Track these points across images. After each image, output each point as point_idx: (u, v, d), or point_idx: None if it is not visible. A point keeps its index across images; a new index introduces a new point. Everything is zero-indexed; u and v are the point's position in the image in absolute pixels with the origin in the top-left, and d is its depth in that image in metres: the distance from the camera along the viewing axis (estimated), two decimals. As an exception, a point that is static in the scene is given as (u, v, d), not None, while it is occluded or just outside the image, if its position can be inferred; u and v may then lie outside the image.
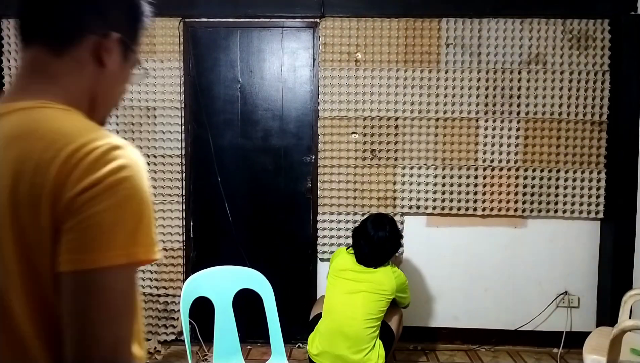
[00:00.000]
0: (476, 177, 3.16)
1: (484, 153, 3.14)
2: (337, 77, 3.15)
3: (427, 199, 3.19)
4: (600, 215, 3.14)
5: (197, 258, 3.29)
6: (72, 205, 0.64)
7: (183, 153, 3.23)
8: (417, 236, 3.22)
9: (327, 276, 2.64)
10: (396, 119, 3.16)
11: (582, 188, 3.14)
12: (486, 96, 3.11)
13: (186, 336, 2.06)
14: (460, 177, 3.16)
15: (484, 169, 3.16)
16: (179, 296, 2.44)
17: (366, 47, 3.14)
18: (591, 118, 3.10)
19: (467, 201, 3.17)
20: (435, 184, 3.17)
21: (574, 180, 3.14)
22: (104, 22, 0.77)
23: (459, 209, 3.18)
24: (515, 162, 3.13)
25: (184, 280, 3.19)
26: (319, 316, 2.61)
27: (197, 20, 3.20)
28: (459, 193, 3.17)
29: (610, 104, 3.08)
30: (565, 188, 3.14)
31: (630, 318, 2.47)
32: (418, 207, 3.19)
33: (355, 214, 3.20)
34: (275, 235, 3.31)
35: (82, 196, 0.64)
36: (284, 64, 3.22)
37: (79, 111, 0.75)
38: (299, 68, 3.21)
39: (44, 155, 0.66)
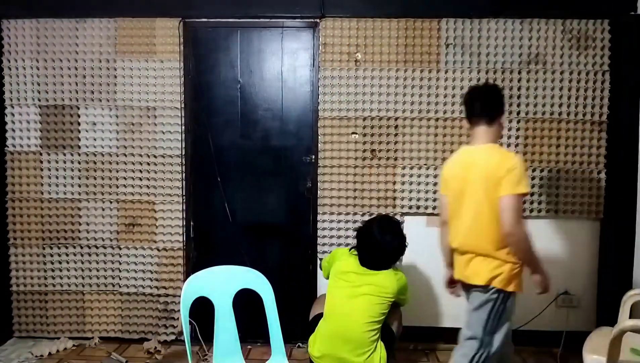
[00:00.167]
0: (476, 177, 3.16)
1: (484, 153, 3.14)
2: (337, 78, 3.15)
3: (427, 199, 3.19)
4: (600, 215, 3.14)
5: (197, 258, 3.29)
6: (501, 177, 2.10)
7: (183, 153, 3.23)
8: (417, 236, 3.21)
9: (322, 268, 2.62)
10: (396, 119, 3.16)
11: (582, 188, 3.14)
12: (486, 96, 3.11)
13: (186, 336, 2.07)
14: (460, 177, 3.16)
15: (484, 169, 3.16)
16: (179, 296, 2.44)
17: (366, 47, 3.14)
18: (591, 118, 3.11)
19: (467, 201, 3.17)
20: (435, 184, 3.17)
21: (574, 180, 3.14)
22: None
23: (459, 209, 3.18)
24: (515, 162, 3.13)
25: (184, 280, 3.20)
26: (319, 316, 2.60)
27: (197, 20, 3.20)
28: (459, 193, 3.17)
29: (610, 104, 3.08)
30: (566, 188, 3.14)
31: (630, 318, 2.47)
32: (418, 207, 3.19)
33: (355, 214, 3.20)
34: (275, 235, 3.31)
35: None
36: (284, 64, 3.22)
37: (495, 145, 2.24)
38: (299, 68, 3.21)
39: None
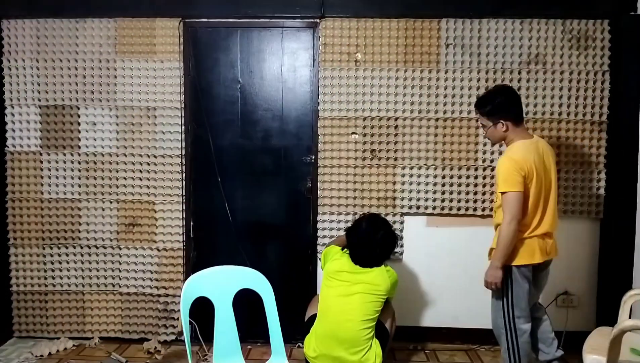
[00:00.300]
0: (476, 177, 3.16)
1: (484, 153, 3.14)
2: (337, 78, 3.15)
3: (427, 199, 3.19)
4: (600, 215, 3.15)
5: (197, 258, 3.29)
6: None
7: (183, 153, 3.23)
8: (417, 236, 3.22)
9: (321, 260, 2.64)
10: (396, 119, 3.16)
11: (582, 188, 3.14)
12: (486, 96, 3.11)
13: (186, 336, 2.06)
14: (460, 177, 3.17)
15: (484, 169, 3.16)
16: (179, 296, 2.44)
17: (366, 47, 3.14)
18: (591, 118, 3.11)
19: (467, 201, 3.17)
20: (435, 184, 3.17)
21: (574, 180, 3.14)
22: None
23: (458, 209, 3.18)
24: (515, 162, 3.13)
25: (184, 280, 3.20)
26: (314, 317, 2.62)
27: (197, 20, 3.20)
28: (459, 193, 3.17)
29: (610, 104, 3.09)
30: (566, 188, 3.14)
31: (630, 318, 2.47)
32: (418, 207, 3.19)
33: (355, 214, 3.19)
34: (275, 235, 3.31)
35: None
36: (284, 64, 3.22)
37: None
38: (299, 68, 3.21)
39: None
